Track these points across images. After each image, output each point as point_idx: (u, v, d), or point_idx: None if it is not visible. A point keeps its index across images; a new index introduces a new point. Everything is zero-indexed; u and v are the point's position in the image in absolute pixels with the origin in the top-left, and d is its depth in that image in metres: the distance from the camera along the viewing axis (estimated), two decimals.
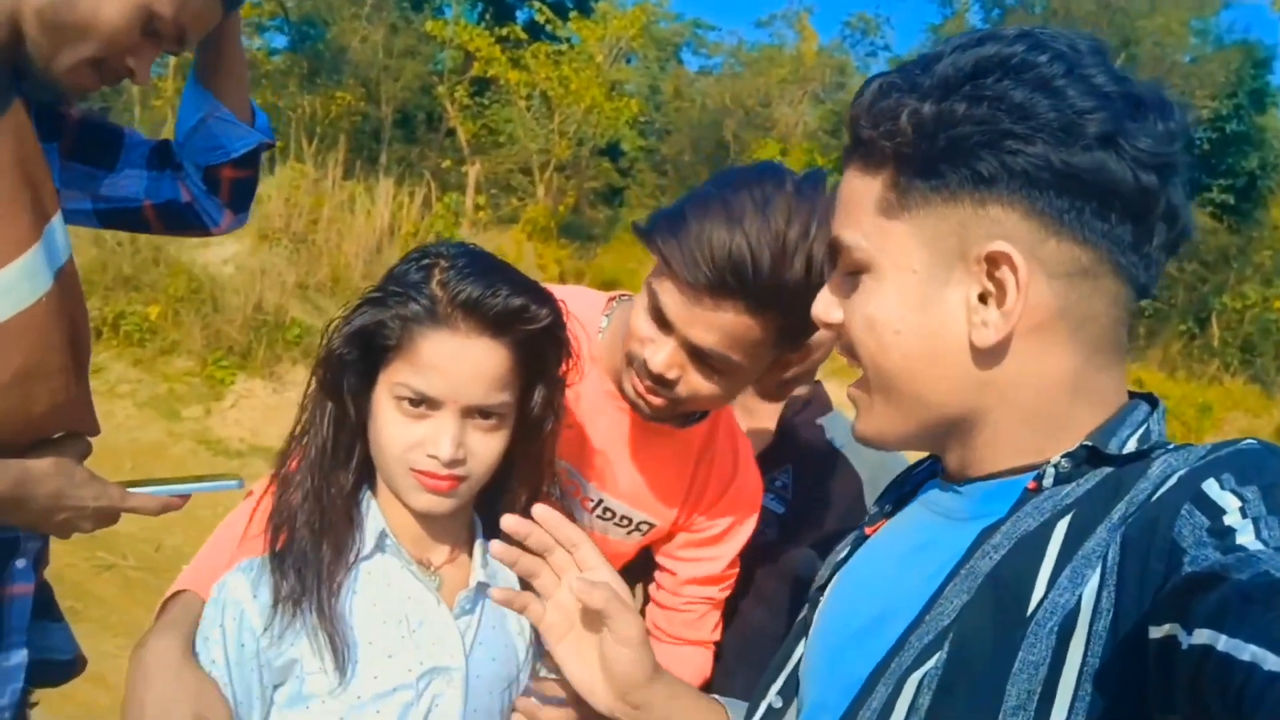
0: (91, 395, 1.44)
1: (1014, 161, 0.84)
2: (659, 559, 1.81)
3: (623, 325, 1.57)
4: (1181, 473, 0.80)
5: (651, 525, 1.73)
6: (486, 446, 1.30)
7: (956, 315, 0.89)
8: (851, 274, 0.96)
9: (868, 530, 1.13)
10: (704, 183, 1.45)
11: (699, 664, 1.81)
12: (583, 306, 1.60)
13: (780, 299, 1.33)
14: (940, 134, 0.86)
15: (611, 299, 1.71)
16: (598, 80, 15.86)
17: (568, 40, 17.50)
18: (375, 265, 10.49)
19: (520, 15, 19.67)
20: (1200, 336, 17.60)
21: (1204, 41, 20.63)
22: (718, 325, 1.36)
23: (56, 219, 1.36)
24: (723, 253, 1.31)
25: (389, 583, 1.33)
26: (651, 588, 1.84)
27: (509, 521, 1.19)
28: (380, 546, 1.34)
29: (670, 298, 1.38)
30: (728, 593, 1.82)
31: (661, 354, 1.42)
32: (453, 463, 1.26)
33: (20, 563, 1.43)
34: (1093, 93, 0.84)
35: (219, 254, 10.06)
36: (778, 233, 1.31)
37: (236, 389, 8.66)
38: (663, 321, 1.41)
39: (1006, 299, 0.86)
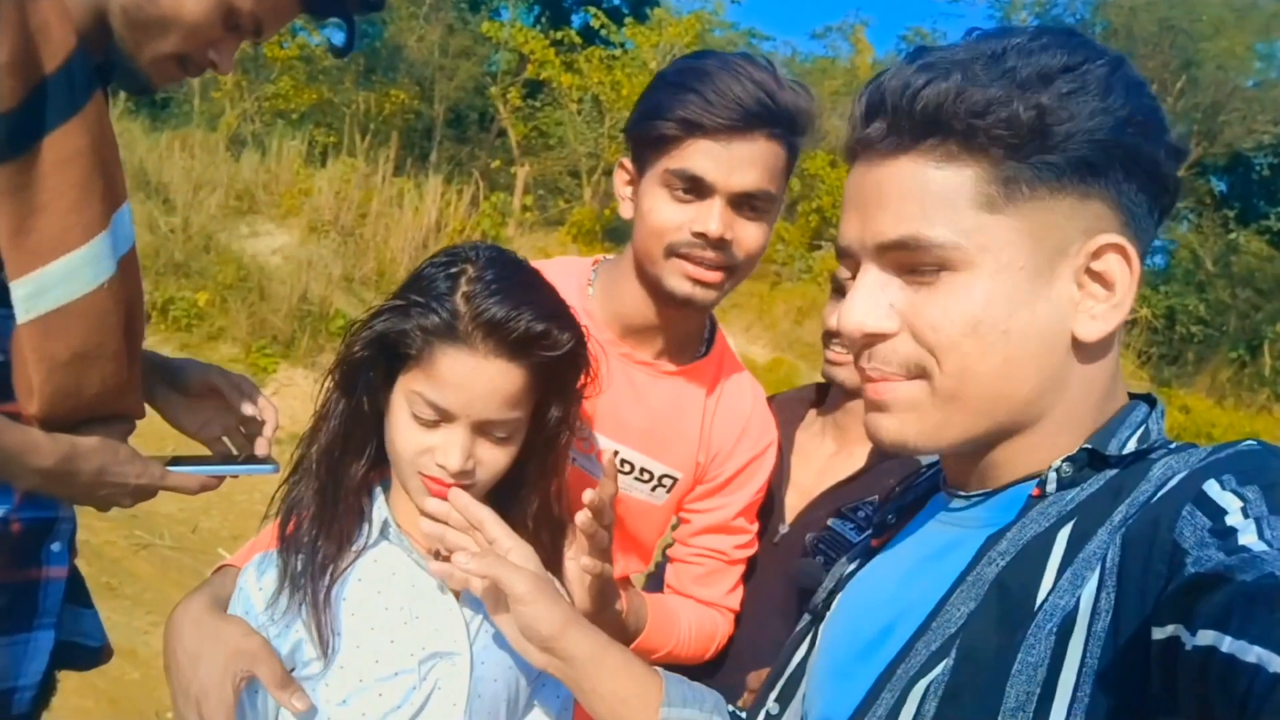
0: (140, 379, 1.47)
1: (1117, 153, 0.85)
2: (677, 516, 1.82)
3: (613, 280, 1.70)
4: (1182, 474, 0.79)
5: (674, 479, 1.73)
6: (495, 458, 1.31)
7: (1064, 311, 0.88)
8: (914, 273, 0.90)
9: (874, 542, 1.13)
10: (660, 75, 1.61)
11: (705, 624, 1.77)
12: (569, 270, 1.72)
13: (793, 121, 1.53)
14: (1057, 126, 0.84)
15: (596, 260, 1.80)
16: None
17: (622, 45, 17.55)
18: (420, 260, 10.55)
19: (576, 20, 19.80)
20: (1251, 364, 17.25)
21: (1268, 66, 20.27)
22: (756, 159, 1.51)
23: (125, 206, 1.39)
24: (743, 92, 1.47)
25: (393, 571, 1.35)
26: (669, 550, 1.86)
27: (429, 506, 1.28)
28: (384, 535, 1.36)
29: (703, 157, 1.50)
30: (743, 553, 1.80)
31: (715, 218, 1.52)
32: (461, 474, 1.28)
33: (55, 545, 1.47)
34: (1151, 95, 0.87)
35: (268, 244, 10.23)
36: (767, 71, 1.52)
37: (279, 377, 8.79)
38: (700, 188, 1.52)
39: (1117, 291, 0.87)
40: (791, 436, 2.00)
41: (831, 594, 1.13)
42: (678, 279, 1.56)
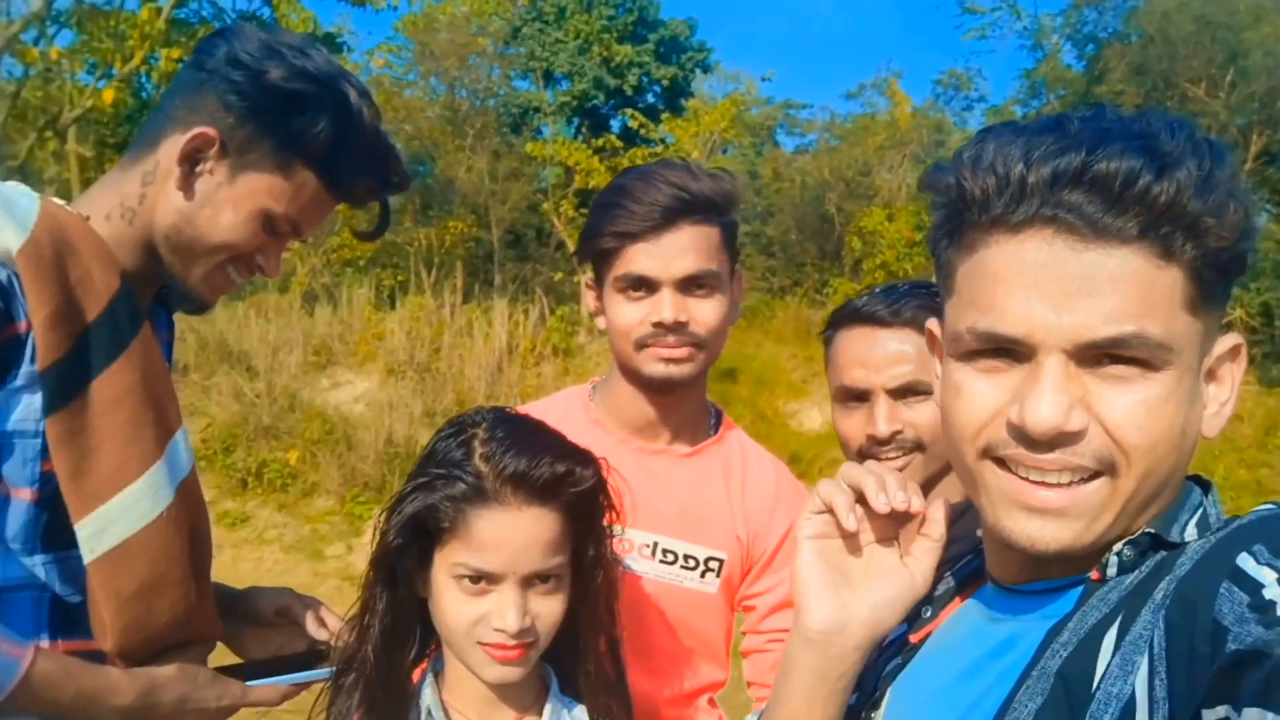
0: (212, 600, 1.50)
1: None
2: (742, 606, 1.83)
3: (611, 390, 1.86)
4: (1210, 542, 0.80)
5: (720, 560, 1.75)
6: (549, 609, 1.32)
7: (1203, 408, 0.89)
8: (1106, 365, 0.86)
9: (913, 638, 1.10)
10: (594, 200, 1.83)
11: None
12: (571, 398, 1.93)
13: (711, 203, 1.71)
14: (1250, 230, 0.86)
15: (593, 381, 1.97)
16: None
17: (662, 141, 17.89)
18: (497, 385, 10.79)
19: (614, 124, 20.25)
20: None
21: None
22: (688, 245, 1.69)
23: (179, 434, 1.44)
24: (659, 193, 1.67)
25: None
26: (743, 646, 1.86)
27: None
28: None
29: (641, 257, 1.69)
30: None
31: (666, 306, 1.68)
32: (521, 633, 1.28)
33: None
34: None
35: (349, 393, 10.53)
36: (677, 170, 1.72)
37: (374, 523, 8.94)
38: (646, 284, 1.70)
39: (1226, 387, 0.89)
40: None
41: (874, 694, 1.10)
42: (652, 364, 1.72)
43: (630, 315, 1.72)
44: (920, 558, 1.03)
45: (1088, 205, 0.83)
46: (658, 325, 1.69)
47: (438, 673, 1.40)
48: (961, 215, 0.91)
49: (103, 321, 1.34)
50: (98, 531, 1.32)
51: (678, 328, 1.69)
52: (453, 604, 1.30)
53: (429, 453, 1.35)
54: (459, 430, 1.33)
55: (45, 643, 1.34)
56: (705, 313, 1.71)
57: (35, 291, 1.26)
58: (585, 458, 1.34)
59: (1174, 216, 0.82)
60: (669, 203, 1.66)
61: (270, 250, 1.47)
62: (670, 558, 1.73)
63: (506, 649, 1.28)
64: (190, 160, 1.40)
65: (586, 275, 1.86)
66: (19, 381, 1.29)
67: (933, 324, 1.05)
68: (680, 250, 1.68)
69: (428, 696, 1.37)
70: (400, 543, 1.31)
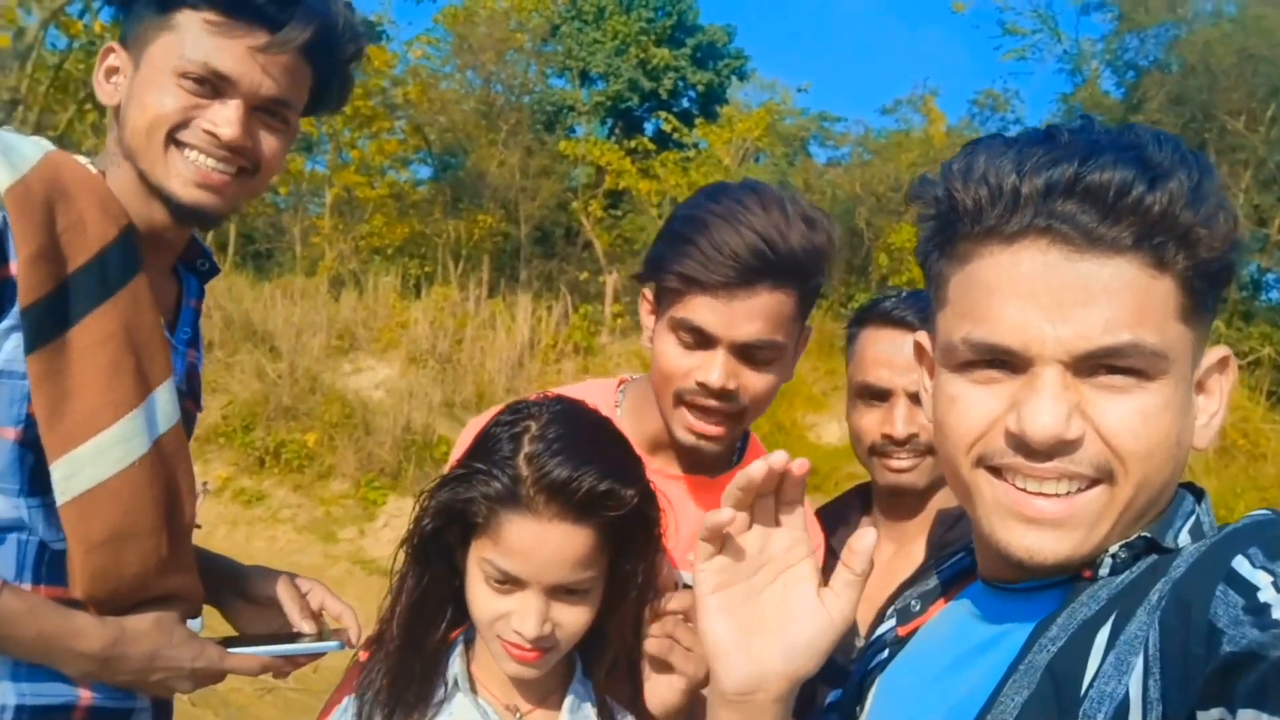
0: (193, 561, 1.49)
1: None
2: None
3: (640, 398, 1.69)
4: (1205, 545, 0.80)
5: None
6: (573, 619, 1.31)
7: (1193, 422, 0.91)
8: (1102, 375, 0.86)
9: (900, 631, 1.11)
10: (670, 218, 1.60)
11: None
12: (593, 395, 1.65)
13: (798, 267, 1.49)
14: (1239, 241, 0.88)
15: (621, 381, 1.80)
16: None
17: (695, 146, 17.90)
18: (517, 379, 10.83)
19: (648, 127, 20.29)
20: None
21: None
22: (757, 312, 1.48)
23: (161, 389, 1.44)
24: (741, 246, 1.45)
25: None
26: None
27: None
28: (457, 689, 1.36)
29: (704, 310, 1.49)
30: None
31: (716, 368, 1.50)
32: (539, 640, 1.27)
33: None
34: None
35: (370, 379, 10.58)
36: (768, 217, 1.47)
37: (388, 509, 9.00)
38: (703, 340, 1.51)
39: (1225, 399, 0.90)
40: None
41: (860, 689, 1.10)
42: (683, 431, 1.58)
43: (677, 362, 1.54)
44: (840, 593, 0.96)
45: (1082, 215, 0.83)
46: (701, 384, 1.52)
47: (469, 641, 1.40)
48: (953, 226, 0.91)
49: (91, 267, 1.35)
50: (70, 474, 1.32)
51: (724, 394, 1.53)
52: (479, 595, 1.30)
53: (484, 434, 1.33)
54: (516, 419, 1.31)
55: (27, 586, 1.34)
56: (756, 384, 1.54)
57: (19, 230, 1.29)
58: (630, 475, 1.31)
59: (1167, 226, 0.83)
60: (750, 260, 1.45)
61: (209, 111, 1.42)
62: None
63: (524, 650, 1.28)
64: (108, 74, 1.47)
65: (648, 288, 1.66)
66: (9, 321, 1.31)
67: (921, 337, 1.05)
68: (749, 315, 1.48)
69: (456, 665, 1.37)
70: (433, 527, 1.32)
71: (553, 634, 1.28)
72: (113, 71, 1.46)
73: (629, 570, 1.34)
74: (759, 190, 1.53)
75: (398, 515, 8.94)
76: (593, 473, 1.24)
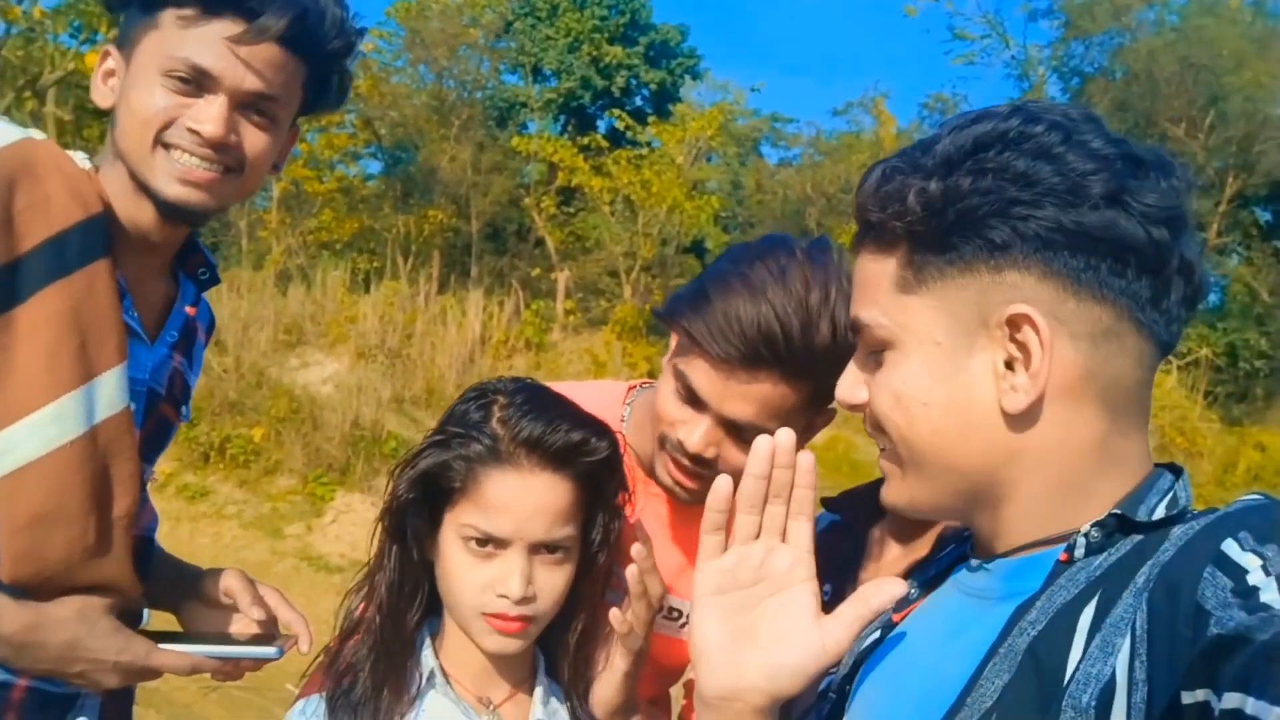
0: (128, 553, 1.43)
1: (1024, 227, 0.87)
2: None
3: (646, 411, 1.58)
4: (1195, 529, 0.80)
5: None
6: (553, 582, 1.31)
7: (984, 382, 0.90)
8: (874, 352, 0.98)
9: (895, 616, 1.11)
10: (718, 259, 1.49)
11: None
12: (603, 399, 1.61)
13: (812, 364, 1.34)
14: (949, 208, 0.89)
15: (631, 388, 1.72)
16: (679, 180, 16.17)
17: (648, 144, 17.93)
18: (467, 375, 10.75)
19: (601, 124, 20.30)
20: None
21: None
22: (754, 397, 1.37)
23: (109, 375, 1.40)
24: (752, 326, 1.32)
25: None
26: None
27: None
28: (431, 685, 1.35)
29: (701, 375, 1.38)
30: None
31: (697, 433, 1.41)
32: (523, 600, 1.27)
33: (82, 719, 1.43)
34: (1092, 156, 0.87)
35: (318, 374, 10.46)
36: (800, 300, 1.33)
37: (336, 505, 8.90)
38: (694, 400, 1.41)
39: (1032, 361, 0.87)
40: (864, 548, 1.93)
41: (851, 671, 1.10)
42: (661, 472, 1.50)
43: (667, 408, 1.45)
44: (842, 624, 0.97)
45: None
46: (679, 443, 1.43)
47: (434, 635, 1.39)
48: None
49: (47, 247, 1.33)
50: (2, 452, 1.30)
51: (699, 461, 1.43)
52: (458, 568, 1.29)
53: (449, 414, 1.35)
54: (480, 395, 1.34)
55: None
56: (736, 459, 1.40)
57: None
58: (601, 429, 1.34)
59: (867, 220, 0.96)
60: (758, 343, 1.32)
61: (193, 110, 1.39)
62: (675, 615, 1.60)
63: (508, 619, 1.28)
64: (105, 77, 1.46)
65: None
66: None
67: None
68: (744, 397, 1.37)
69: (428, 659, 1.36)
70: (411, 497, 1.31)
71: (535, 598, 1.29)
72: (109, 74, 1.46)
73: (601, 534, 1.36)
74: (814, 261, 1.38)
75: (346, 511, 8.84)
76: (566, 423, 1.29)
